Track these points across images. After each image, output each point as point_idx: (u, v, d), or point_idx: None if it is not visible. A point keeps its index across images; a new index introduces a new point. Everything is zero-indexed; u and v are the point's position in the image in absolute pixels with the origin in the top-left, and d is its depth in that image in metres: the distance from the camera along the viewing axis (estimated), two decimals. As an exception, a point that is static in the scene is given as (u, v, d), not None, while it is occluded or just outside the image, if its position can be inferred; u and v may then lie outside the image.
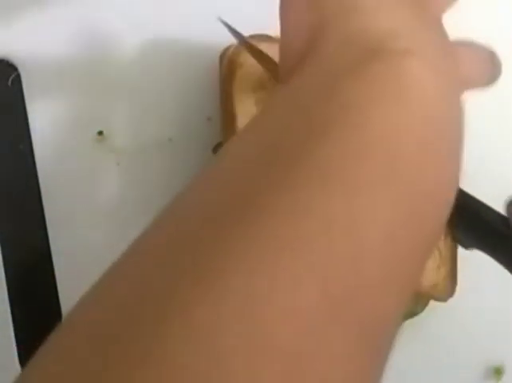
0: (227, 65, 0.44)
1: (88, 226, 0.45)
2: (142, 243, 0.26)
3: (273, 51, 0.44)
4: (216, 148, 0.46)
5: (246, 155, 0.26)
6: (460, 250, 0.44)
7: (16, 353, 0.44)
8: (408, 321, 0.45)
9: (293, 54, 0.31)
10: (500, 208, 0.37)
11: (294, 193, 0.24)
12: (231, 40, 0.44)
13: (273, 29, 0.45)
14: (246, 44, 0.43)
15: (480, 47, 0.35)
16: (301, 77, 0.29)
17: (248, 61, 0.43)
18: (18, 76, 0.45)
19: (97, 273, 0.45)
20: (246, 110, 0.43)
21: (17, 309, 0.44)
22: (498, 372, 0.49)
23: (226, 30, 0.44)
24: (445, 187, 0.27)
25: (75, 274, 0.45)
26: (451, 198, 0.28)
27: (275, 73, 0.41)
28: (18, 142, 0.45)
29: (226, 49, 0.45)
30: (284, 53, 0.33)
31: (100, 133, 0.46)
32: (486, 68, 0.35)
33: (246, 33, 0.44)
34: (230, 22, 0.44)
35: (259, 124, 0.28)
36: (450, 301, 0.46)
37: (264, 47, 0.44)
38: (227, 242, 0.23)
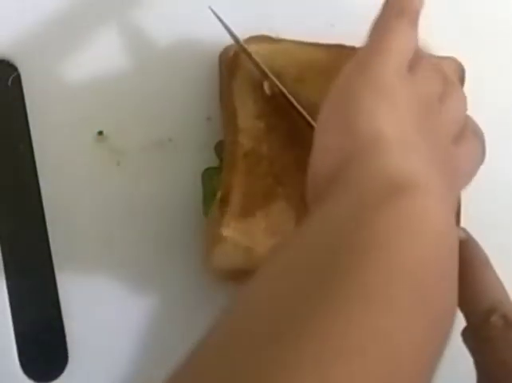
0: (228, 65, 0.44)
1: (88, 226, 0.45)
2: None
3: (272, 52, 0.44)
4: (217, 147, 0.46)
5: (292, 273, 0.30)
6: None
7: (16, 354, 0.44)
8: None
9: (323, 174, 0.35)
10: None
11: (345, 308, 0.28)
12: (231, 40, 0.44)
13: (273, 30, 0.45)
14: (241, 45, 0.43)
15: (476, 136, 0.41)
16: (335, 204, 0.33)
17: (247, 61, 0.44)
18: (18, 77, 0.45)
19: (97, 272, 0.45)
20: (246, 109, 0.44)
21: (17, 309, 0.44)
22: (498, 372, 0.49)
23: (225, 30, 0.44)
24: (453, 304, 0.33)
25: (75, 274, 0.45)
26: (455, 314, 0.33)
27: (265, 75, 0.43)
28: (18, 142, 0.45)
29: (226, 49, 0.45)
30: (313, 173, 0.36)
31: (100, 133, 0.46)
32: (478, 160, 0.41)
33: (246, 33, 0.44)
34: (230, 22, 0.44)
35: (302, 243, 0.32)
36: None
37: (264, 48, 0.44)
38: (299, 342, 0.27)
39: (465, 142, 0.39)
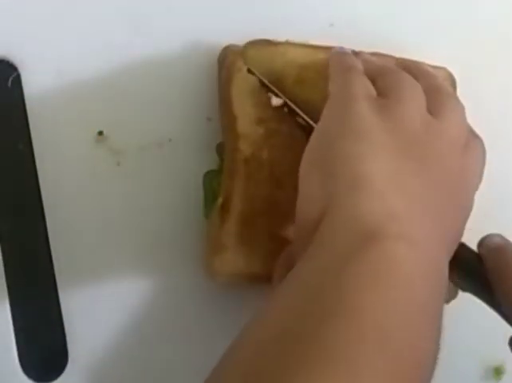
0: (226, 69, 0.44)
1: (88, 226, 0.45)
2: None
3: (271, 55, 0.44)
4: (219, 148, 0.46)
5: (265, 337, 0.31)
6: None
7: (16, 354, 0.44)
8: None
9: (307, 225, 0.35)
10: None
11: (307, 373, 0.29)
12: (229, 40, 0.45)
13: (273, 29, 0.45)
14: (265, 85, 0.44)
15: (477, 140, 0.40)
16: (311, 259, 0.34)
17: (245, 67, 0.44)
18: (18, 77, 0.45)
19: (97, 273, 0.45)
20: (245, 115, 0.43)
21: (17, 309, 0.44)
22: (498, 372, 0.49)
23: (225, 30, 0.44)
24: (428, 353, 0.32)
25: (75, 274, 0.45)
26: (435, 360, 0.33)
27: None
28: (18, 142, 0.45)
29: (224, 50, 0.45)
30: (298, 224, 0.37)
31: (100, 133, 0.46)
32: (484, 164, 0.40)
33: (246, 33, 0.44)
34: (230, 22, 0.44)
35: (277, 305, 0.33)
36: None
37: (262, 51, 0.44)
38: None
39: (472, 150, 0.39)
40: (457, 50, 0.50)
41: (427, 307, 0.33)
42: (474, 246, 0.40)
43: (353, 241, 0.33)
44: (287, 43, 0.45)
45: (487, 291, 0.38)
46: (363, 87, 0.39)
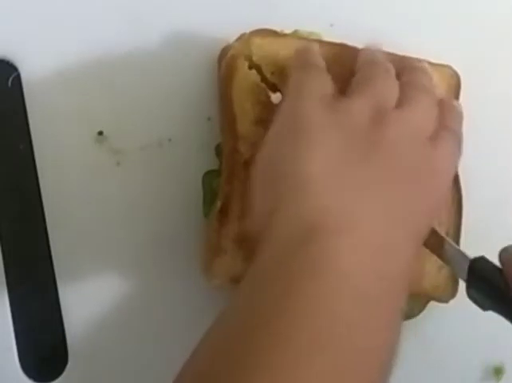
0: (226, 69, 0.44)
1: (88, 226, 0.45)
2: None
3: (276, 45, 0.44)
4: (218, 148, 0.46)
5: (216, 340, 0.33)
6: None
7: (16, 354, 0.44)
8: (408, 322, 0.45)
9: (259, 226, 0.36)
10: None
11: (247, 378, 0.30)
12: (229, 39, 0.45)
13: (278, 24, 0.45)
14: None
15: (451, 133, 0.40)
16: (260, 259, 0.35)
17: (245, 64, 0.44)
18: (18, 77, 0.45)
19: (97, 272, 0.45)
20: (245, 114, 0.43)
21: (17, 309, 0.44)
22: (498, 372, 0.49)
23: (225, 29, 0.44)
24: (379, 346, 0.32)
25: (75, 275, 0.45)
26: (390, 352, 0.33)
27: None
28: (18, 142, 0.45)
29: (224, 50, 0.45)
30: (253, 224, 0.38)
31: (100, 133, 0.46)
32: (456, 157, 0.40)
33: (249, 28, 0.44)
34: (229, 23, 0.44)
35: (230, 305, 0.34)
36: (451, 300, 0.46)
37: (268, 41, 0.44)
38: None
39: (441, 141, 0.39)
40: (461, 48, 0.50)
41: (374, 297, 0.33)
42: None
43: (295, 238, 0.34)
44: (293, 36, 0.45)
45: (509, 304, 0.37)
46: (317, 84, 0.39)
